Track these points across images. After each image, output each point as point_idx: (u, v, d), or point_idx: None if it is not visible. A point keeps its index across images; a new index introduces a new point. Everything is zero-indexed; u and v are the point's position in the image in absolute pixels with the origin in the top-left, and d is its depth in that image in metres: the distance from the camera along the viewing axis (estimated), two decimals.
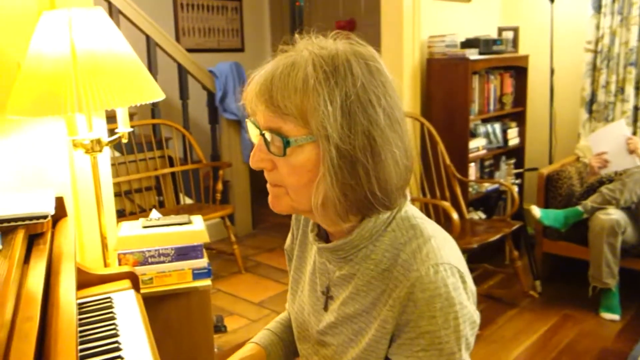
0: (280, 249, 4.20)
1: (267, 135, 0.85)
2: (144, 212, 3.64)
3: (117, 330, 1.33)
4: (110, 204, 1.99)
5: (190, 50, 4.22)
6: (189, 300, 1.82)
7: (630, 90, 3.73)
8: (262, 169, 0.90)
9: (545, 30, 3.88)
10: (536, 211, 3.12)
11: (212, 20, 5.22)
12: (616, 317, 2.96)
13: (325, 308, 1.00)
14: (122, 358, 1.21)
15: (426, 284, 0.84)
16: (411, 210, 0.94)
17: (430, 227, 0.92)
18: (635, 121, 3.77)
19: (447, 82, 3.48)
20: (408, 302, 0.85)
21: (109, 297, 1.52)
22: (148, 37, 3.79)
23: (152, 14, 3.91)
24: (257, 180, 4.90)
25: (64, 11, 1.61)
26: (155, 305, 1.79)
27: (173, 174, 3.91)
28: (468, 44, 3.54)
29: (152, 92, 1.70)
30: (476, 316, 0.89)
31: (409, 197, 0.96)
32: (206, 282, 1.85)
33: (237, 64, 4.21)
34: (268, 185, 0.91)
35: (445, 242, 0.91)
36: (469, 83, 3.41)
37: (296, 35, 0.90)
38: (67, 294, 1.03)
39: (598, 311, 3.02)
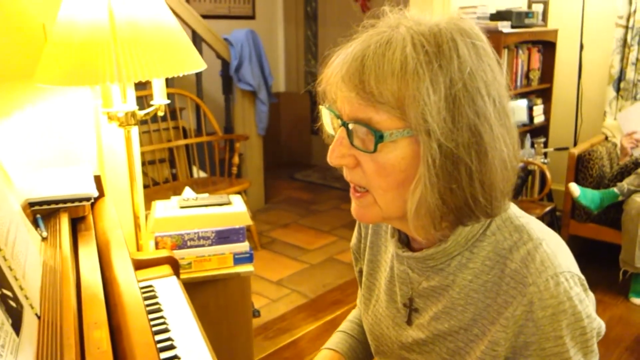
0: (295, 224, 4.09)
1: (352, 127, 0.72)
2: (157, 185, 3.51)
3: (167, 324, 1.22)
4: (140, 182, 1.86)
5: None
6: (229, 287, 1.70)
7: None
8: (342, 166, 0.77)
9: (576, 4, 3.72)
10: (575, 189, 2.99)
11: None
12: None
13: (409, 322, 0.88)
14: (178, 358, 1.10)
15: (547, 300, 0.72)
16: (512, 208, 0.81)
17: (538, 228, 0.79)
18: None
19: None
20: (526, 322, 0.73)
21: (150, 285, 1.40)
22: None
23: None
24: (269, 154, 4.76)
25: None
26: (192, 292, 1.67)
27: (187, 146, 3.76)
28: (499, 16, 3.38)
29: (194, 62, 1.55)
30: (602, 326, 0.78)
31: None
32: (248, 268, 1.72)
33: (253, 32, 4.02)
34: (352, 193, 0.79)
35: (559, 245, 0.78)
36: (500, 58, 3.26)
37: (385, 8, 0.76)
38: (131, 291, 0.91)
39: (627, 296, 2.95)
